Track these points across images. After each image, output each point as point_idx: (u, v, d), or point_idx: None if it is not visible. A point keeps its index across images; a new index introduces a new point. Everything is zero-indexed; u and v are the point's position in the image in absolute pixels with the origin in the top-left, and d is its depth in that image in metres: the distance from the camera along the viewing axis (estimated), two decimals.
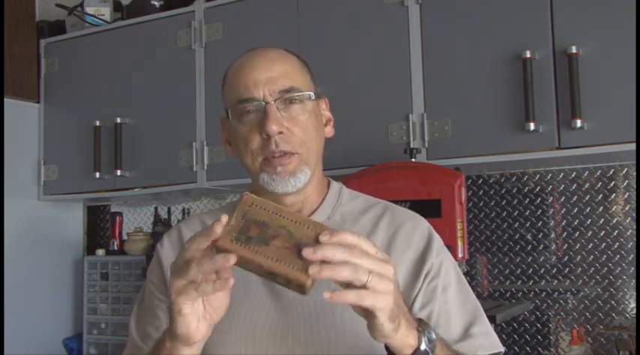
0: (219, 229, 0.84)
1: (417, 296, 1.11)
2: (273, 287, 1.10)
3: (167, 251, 1.22)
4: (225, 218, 0.86)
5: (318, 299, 0.85)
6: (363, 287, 0.82)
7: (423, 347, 0.91)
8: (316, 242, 0.83)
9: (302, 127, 1.11)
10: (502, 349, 1.13)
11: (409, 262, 1.13)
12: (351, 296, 0.82)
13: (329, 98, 1.22)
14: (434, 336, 0.93)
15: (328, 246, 0.82)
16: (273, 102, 1.09)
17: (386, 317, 0.84)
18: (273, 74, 1.11)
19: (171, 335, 0.93)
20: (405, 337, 0.89)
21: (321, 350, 1.06)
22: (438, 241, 1.17)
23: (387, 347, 0.93)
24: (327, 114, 1.21)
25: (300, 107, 1.12)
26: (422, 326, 0.93)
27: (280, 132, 1.09)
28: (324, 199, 1.20)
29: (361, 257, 0.82)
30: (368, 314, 0.85)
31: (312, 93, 1.14)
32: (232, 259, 0.83)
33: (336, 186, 1.24)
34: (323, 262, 0.81)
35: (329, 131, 1.21)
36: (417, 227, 1.17)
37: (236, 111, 1.12)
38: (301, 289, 0.83)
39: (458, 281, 1.16)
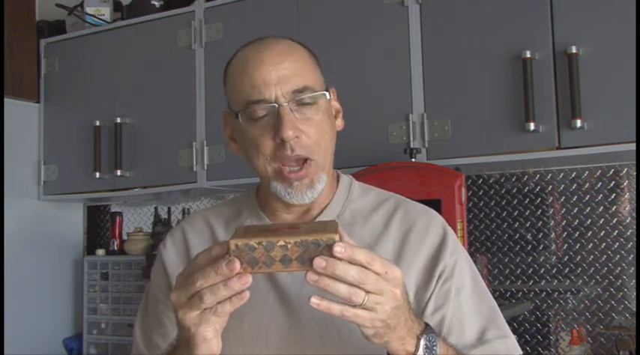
0: (237, 265, 0.80)
1: (430, 298, 1.06)
2: (282, 294, 1.07)
3: (171, 252, 1.18)
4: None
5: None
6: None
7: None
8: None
9: (317, 129, 1.05)
10: (520, 352, 1.09)
11: (422, 262, 1.08)
12: (336, 311, 0.81)
13: None
14: (435, 344, 0.91)
15: (340, 263, 0.79)
16: (286, 104, 1.02)
17: (369, 333, 0.85)
18: (284, 72, 1.03)
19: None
20: (400, 345, 0.88)
21: None
22: (452, 239, 1.10)
23: None
24: (337, 105, 1.15)
25: (314, 107, 1.05)
26: (426, 332, 0.91)
27: (296, 137, 1.02)
28: (333, 196, 1.14)
29: (369, 279, 0.80)
30: None
31: (326, 93, 1.07)
32: (249, 280, 0.80)
33: (345, 180, 1.18)
34: None
35: (339, 124, 1.14)
36: (431, 224, 1.11)
37: (245, 113, 1.04)
38: None
39: (473, 281, 1.10)
